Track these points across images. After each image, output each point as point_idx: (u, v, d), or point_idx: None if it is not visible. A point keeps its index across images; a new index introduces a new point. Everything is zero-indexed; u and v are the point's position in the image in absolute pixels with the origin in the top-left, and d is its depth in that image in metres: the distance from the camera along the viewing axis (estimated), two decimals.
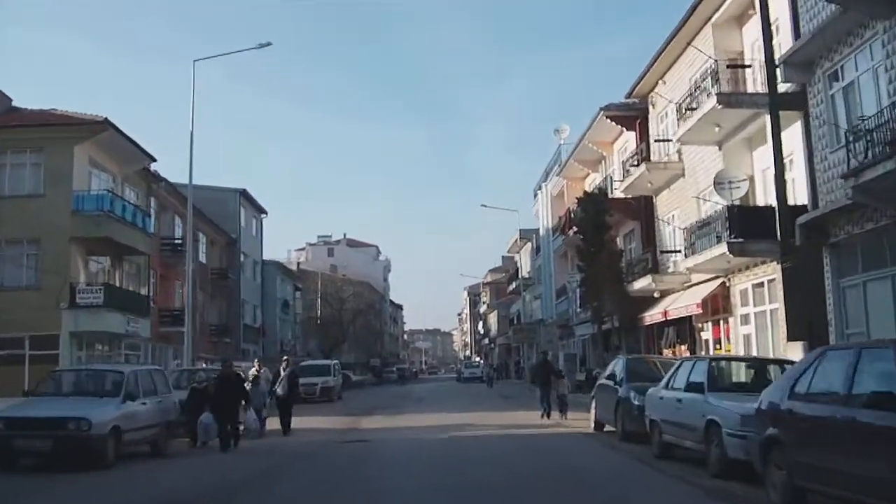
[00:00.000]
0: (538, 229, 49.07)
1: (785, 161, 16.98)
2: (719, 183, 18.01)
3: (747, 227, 17.38)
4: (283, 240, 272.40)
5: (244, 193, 52.69)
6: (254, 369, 19.79)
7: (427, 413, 25.07)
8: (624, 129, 29.14)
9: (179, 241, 38.69)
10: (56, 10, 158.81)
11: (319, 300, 78.03)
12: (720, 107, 17.72)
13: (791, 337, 16.58)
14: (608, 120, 29.07)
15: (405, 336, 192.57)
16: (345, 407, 30.25)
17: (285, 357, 20.61)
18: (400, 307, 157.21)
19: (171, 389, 14.93)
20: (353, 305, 79.00)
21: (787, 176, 17.30)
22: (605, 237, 28.22)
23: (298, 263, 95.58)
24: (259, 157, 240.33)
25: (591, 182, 35.78)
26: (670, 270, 24.54)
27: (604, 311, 28.00)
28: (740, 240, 17.29)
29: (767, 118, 17.33)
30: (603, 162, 33.90)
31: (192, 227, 45.33)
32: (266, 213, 59.36)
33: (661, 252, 24.60)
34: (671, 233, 25.39)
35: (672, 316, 22.73)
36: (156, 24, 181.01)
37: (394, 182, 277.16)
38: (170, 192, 38.62)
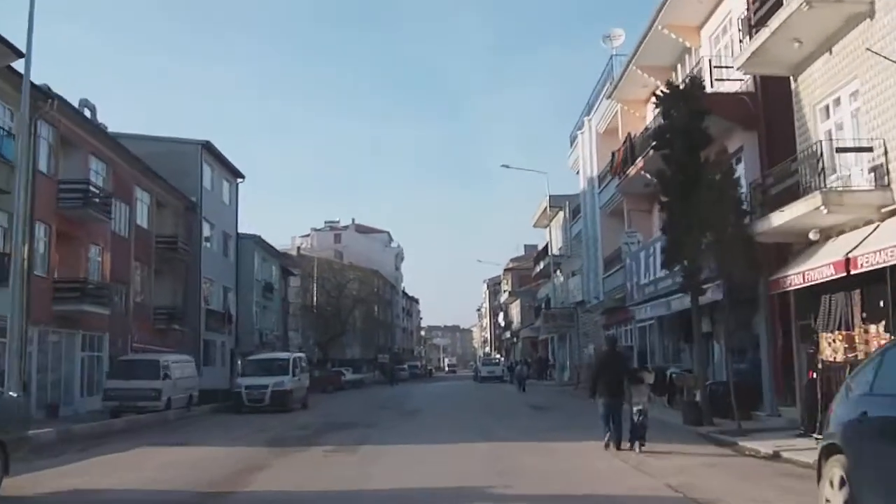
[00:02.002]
0: (578, 190, 38.19)
1: None
2: None
3: None
4: (294, 232, 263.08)
5: (208, 147, 42.36)
6: None
7: (409, 444, 14.49)
8: None
9: (92, 188, 28.33)
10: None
11: (315, 286, 67.78)
12: None
13: None
14: None
15: (422, 332, 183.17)
16: (287, 425, 19.68)
17: None
18: (415, 300, 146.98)
19: None
20: (355, 292, 68.57)
21: None
22: (703, 153, 17.45)
23: (299, 248, 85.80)
24: (272, 154, 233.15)
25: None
26: (837, 187, 13.70)
27: (701, 273, 17.24)
28: None
29: None
30: (683, 63, 23.11)
31: (129, 179, 35.44)
32: (243, 178, 49.11)
33: (838, 150, 13.69)
34: (834, 130, 14.61)
35: (868, 265, 11.89)
36: (156, 17, 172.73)
37: (410, 181, 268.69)
38: (77, 123, 28.32)
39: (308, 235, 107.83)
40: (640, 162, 23.32)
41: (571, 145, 35.95)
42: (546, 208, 45.69)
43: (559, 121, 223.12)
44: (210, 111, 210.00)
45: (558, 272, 46.12)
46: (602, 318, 34.17)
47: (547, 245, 47.40)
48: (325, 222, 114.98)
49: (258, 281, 50.60)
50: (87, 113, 38.58)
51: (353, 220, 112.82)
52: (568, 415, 21.75)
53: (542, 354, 48.53)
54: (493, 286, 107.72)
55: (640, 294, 24.36)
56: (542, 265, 48.91)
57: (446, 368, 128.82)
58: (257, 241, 49.76)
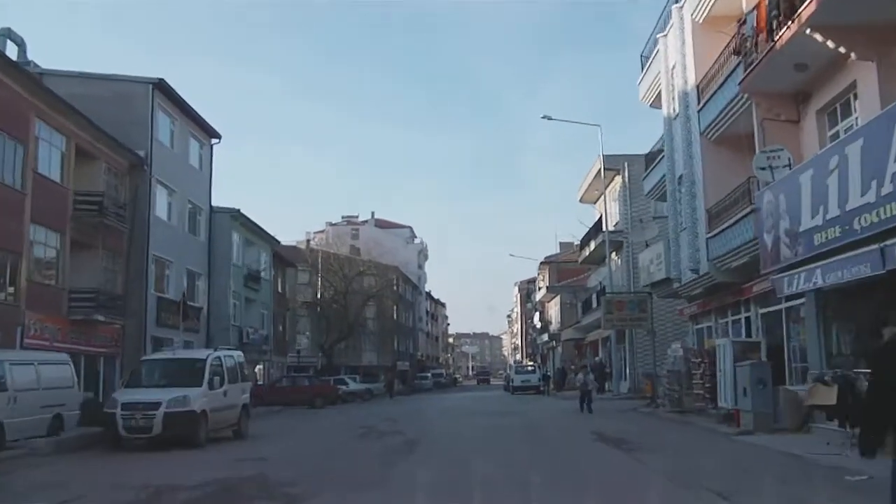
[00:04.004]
0: (663, 128, 27.68)
1: None
2: None
3: None
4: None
5: (163, 88, 32.73)
6: None
7: None
8: None
9: None
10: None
11: (320, 279, 58.12)
12: None
13: None
14: None
15: (450, 339, 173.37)
16: (126, 485, 9.58)
17: None
18: (441, 304, 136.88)
19: None
20: (366, 287, 58.67)
21: None
22: None
23: (308, 241, 76.37)
24: (299, 160, 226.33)
25: None
26: None
27: None
28: None
29: None
30: None
31: (24, 108, 25.70)
32: (219, 138, 39.49)
33: None
34: None
35: None
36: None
37: (440, 190, 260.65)
38: None
39: (323, 231, 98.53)
40: (809, 7, 12.98)
41: (644, 67, 25.66)
42: (600, 171, 35.37)
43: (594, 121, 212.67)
44: (232, 111, 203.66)
45: (615, 255, 35.81)
46: (693, 306, 23.75)
47: (600, 221, 37.09)
48: (343, 216, 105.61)
49: (237, 266, 40.81)
50: (13, 51, 29.96)
51: (373, 213, 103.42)
52: (687, 462, 11.60)
53: (601, 358, 37.74)
54: (526, 287, 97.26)
55: (801, 247, 13.96)
56: (592, 247, 38.55)
57: (477, 377, 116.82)
58: (235, 215, 39.93)
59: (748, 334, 19.33)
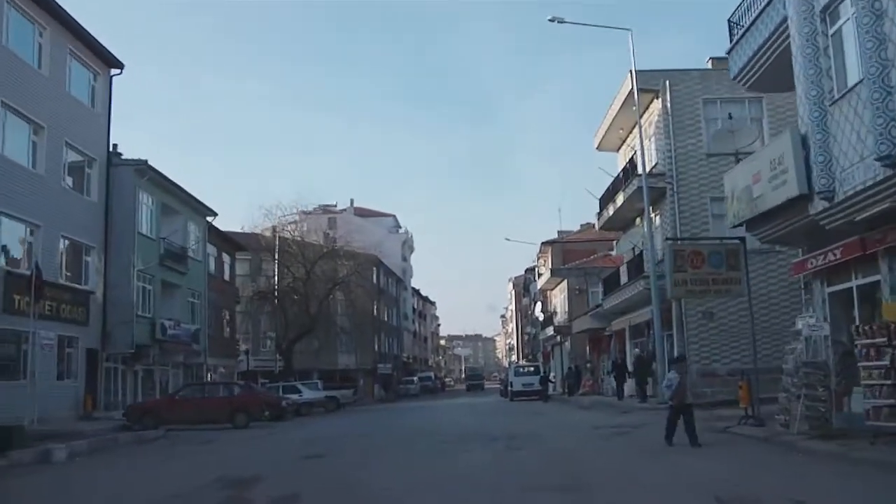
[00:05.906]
0: None
1: None
2: None
3: None
4: None
5: None
6: None
7: None
8: None
9: None
10: None
11: (276, 266, 48.24)
12: None
13: None
14: None
15: (442, 342, 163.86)
16: None
17: None
18: (431, 302, 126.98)
19: None
20: (330, 272, 48.67)
21: None
22: None
23: (274, 227, 66.43)
24: (291, 160, 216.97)
25: None
26: None
27: None
28: None
29: None
30: None
31: None
32: (120, 68, 29.67)
33: None
34: None
35: None
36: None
37: (428, 192, 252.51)
38: None
39: (296, 222, 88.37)
40: None
41: None
42: (631, 92, 25.61)
43: (584, 127, 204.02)
44: (229, 121, 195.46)
45: (651, 211, 26.02)
46: (832, 251, 13.88)
47: (633, 163, 27.33)
48: (319, 205, 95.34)
49: (149, 239, 30.79)
50: None
51: (352, 200, 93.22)
52: None
53: (640, 351, 27.56)
54: (523, 279, 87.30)
55: None
56: (619, 202, 28.73)
57: (467, 380, 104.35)
58: (142, 169, 29.83)
59: None
